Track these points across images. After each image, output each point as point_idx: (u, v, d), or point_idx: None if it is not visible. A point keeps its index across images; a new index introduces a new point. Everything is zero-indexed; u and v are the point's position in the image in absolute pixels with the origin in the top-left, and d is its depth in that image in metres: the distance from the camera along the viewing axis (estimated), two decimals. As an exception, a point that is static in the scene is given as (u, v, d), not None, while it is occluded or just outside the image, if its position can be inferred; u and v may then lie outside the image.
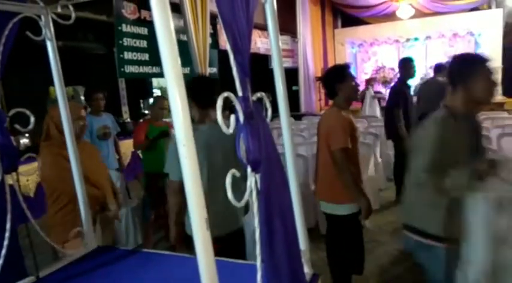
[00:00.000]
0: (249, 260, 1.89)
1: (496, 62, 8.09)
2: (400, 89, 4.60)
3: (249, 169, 0.95)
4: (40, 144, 2.36)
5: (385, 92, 10.57)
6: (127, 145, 6.31)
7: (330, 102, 2.58)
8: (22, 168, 1.66)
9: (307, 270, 1.43)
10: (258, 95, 1.02)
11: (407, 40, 11.25)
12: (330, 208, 2.44)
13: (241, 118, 0.92)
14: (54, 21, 1.76)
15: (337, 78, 2.39)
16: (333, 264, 2.52)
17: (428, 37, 10.97)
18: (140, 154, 4.95)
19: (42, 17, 1.71)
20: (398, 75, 4.93)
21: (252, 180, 0.96)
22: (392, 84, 5.96)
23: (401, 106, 4.41)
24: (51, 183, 2.31)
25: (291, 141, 1.42)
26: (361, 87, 8.96)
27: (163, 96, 4.21)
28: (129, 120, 7.30)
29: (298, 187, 1.42)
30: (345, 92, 2.39)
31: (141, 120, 4.82)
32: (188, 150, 0.81)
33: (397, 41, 11.38)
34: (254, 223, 0.99)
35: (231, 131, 0.89)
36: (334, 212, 2.41)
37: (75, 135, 1.93)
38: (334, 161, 2.30)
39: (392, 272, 3.09)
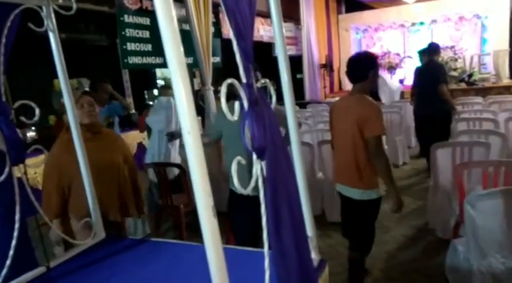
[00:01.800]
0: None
1: (502, 45, 8.05)
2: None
3: (254, 156, 0.95)
4: (59, 135, 2.35)
5: (390, 77, 10.49)
6: (133, 137, 6.35)
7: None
8: (29, 161, 1.67)
9: (314, 256, 1.43)
10: (262, 81, 1.02)
11: (413, 24, 11.10)
12: (357, 193, 2.42)
13: (246, 105, 0.91)
14: (56, 13, 1.75)
15: (371, 65, 2.43)
16: (360, 245, 2.61)
17: (434, 21, 10.81)
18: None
19: (44, 8, 1.70)
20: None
21: (258, 167, 0.96)
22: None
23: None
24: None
25: (297, 129, 1.41)
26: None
27: (168, 86, 4.28)
28: (133, 111, 7.31)
29: (305, 175, 1.41)
30: (373, 80, 2.43)
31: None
32: (193, 138, 0.80)
33: (402, 25, 11.22)
34: (261, 210, 0.99)
35: (235, 117, 0.88)
36: (361, 197, 2.41)
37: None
38: (370, 147, 2.30)
39: (398, 257, 3.10)
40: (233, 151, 2.45)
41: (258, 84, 0.98)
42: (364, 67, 2.42)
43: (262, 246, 1.02)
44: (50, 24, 1.73)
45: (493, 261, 2.02)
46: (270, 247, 1.01)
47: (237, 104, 0.90)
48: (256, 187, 0.97)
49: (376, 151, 2.29)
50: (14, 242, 1.54)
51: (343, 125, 2.48)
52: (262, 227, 0.98)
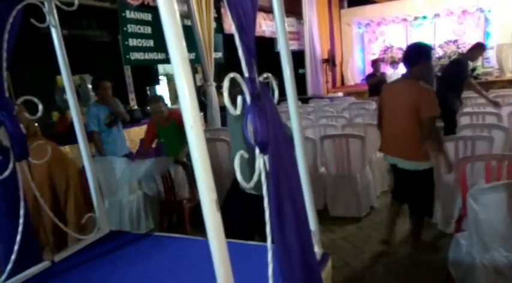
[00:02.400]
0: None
1: (506, 39, 7.97)
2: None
3: (257, 150, 0.95)
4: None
5: (393, 72, 10.44)
6: (135, 133, 6.36)
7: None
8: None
9: (317, 250, 1.44)
10: (265, 75, 1.01)
11: (416, 18, 11.01)
12: (414, 165, 2.79)
13: (248, 99, 0.91)
14: (58, 9, 1.75)
15: (424, 56, 2.74)
16: (418, 208, 2.95)
17: (436, 15, 10.72)
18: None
19: (46, 4, 1.70)
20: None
21: (261, 162, 0.96)
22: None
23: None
24: None
25: (299, 124, 1.41)
26: (369, 70, 8.84)
27: (158, 98, 4.14)
28: (136, 107, 7.31)
29: (307, 170, 1.42)
30: (424, 70, 2.76)
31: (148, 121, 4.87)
32: (196, 133, 0.80)
33: (404, 19, 11.14)
34: (264, 204, 1.00)
35: (238, 112, 0.88)
36: (417, 168, 2.77)
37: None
38: (425, 127, 2.62)
39: (400, 251, 3.10)
40: (235, 147, 2.49)
41: (261, 79, 0.98)
42: (415, 57, 2.72)
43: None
44: (52, 20, 1.73)
45: (496, 255, 2.02)
46: (273, 241, 1.02)
47: (239, 99, 0.90)
48: (256, 186, 0.97)
49: (430, 130, 2.61)
50: (18, 237, 1.56)
51: (399, 106, 2.77)
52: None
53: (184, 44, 0.79)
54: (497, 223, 1.98)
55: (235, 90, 0.93)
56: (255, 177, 0.96)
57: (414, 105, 2.64)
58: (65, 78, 1.84)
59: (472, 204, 2.05)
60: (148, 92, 8.17)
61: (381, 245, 3.16)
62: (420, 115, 2.62)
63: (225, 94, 0.85)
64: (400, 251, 3.12)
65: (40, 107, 1.61)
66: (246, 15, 0.88)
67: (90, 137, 3.86)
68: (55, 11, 1.74)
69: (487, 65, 9.51)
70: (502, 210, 1.95)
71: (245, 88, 0.91)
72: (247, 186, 0.92)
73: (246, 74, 0.92)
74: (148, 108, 4.52)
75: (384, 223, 3.26)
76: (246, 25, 0.88)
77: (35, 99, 1.60)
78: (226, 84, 0.85)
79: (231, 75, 0.87)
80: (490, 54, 9.52)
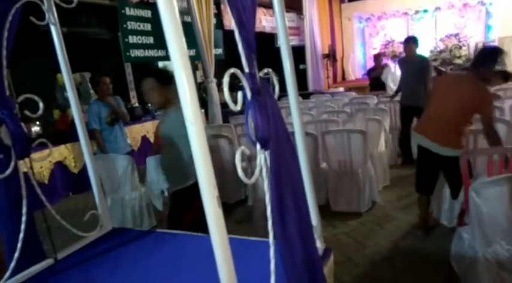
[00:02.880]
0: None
1: (507, 32, 7.91)
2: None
3: (258, 146, 0.95)
4: None
5: (394, 66, 10.41)
6: (137, 130, 6.37)
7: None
8: (35, 155, 1.68)
9: (319, 245, 1.44)
10: (265, 71, 1.01)
11: (416, 12, 10.95)
12: (448, 151, 2.89)
13: (249, 95, 0.91)
14: (58, 7, 1.74)
15: (493, 60, 2.81)
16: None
17: (437, 8, 10.67)
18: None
19: (45, 1, 1.70)
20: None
21: (262, 157, 0.96)
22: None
23: None
24: None
25: (300, 119, 1.41)
26: (371, 64, 8.80)
27: None
28: (137, 104, 7.32)
29: (309, 165, 1.42)
30: (491, 73, 2.82)
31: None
32: (197, 128, 0.80)
33: (405, 13, 11.09)
34: (265, 200, 0.99)
35: (238, 108, 0.88)
36: (451, 154, 2.86)
37: None
38: (486, 125, 2.77)
39: (403, 246, 3.11)
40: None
41: (261, 74, 0.98)
42: (485, 60, 2.81)
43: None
44: (52, 18, 1.72)
45: (498, 248, 2.02)
46: (274, 237, 1.02)
47: (240, 94, 0.89)
48: None
49: (489, 129, 2.76)
50: (21, 235, 1.56)
51: (455, 97, 2.86)
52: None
53: (183, 40, 0.79)
54: (499, 217, 1.98)
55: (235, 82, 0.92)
56: (256, 173, 0.96)
57: (471, 103, 2.77)
58: (65, 76, 1.84)
59: (474, 197, 2.05)
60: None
61: (385, 238, 3.16)
62: (481, 113, 2.77)
63: (225, 89, 0.85)
64: (402, 245, 3.12)
65: (41, 105, 1.61)
66: (246, 9, 0.88)
67: (92, 134, 3.86)
68: (54, 9, 1.73)
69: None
70: (504, 203, 1.94)
71: (245, 83, 0.91)
72: (248, 182, 0.92)
73: (246, 70, 0.92)
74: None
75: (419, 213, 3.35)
76: (245, 20, 0.88)
77: (36, 97, 1.60)
78: (226, 79, 0.85)
79: (231, 70, 0.86)
80: (492, 47, 9.48)
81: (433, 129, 2.98)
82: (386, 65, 7.82)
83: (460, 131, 2.89)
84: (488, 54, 2.87)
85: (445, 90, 3.04)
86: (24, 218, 1.56)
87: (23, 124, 1.58)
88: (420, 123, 3.21)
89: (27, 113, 1.63)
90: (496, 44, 9.19)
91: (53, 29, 1.76)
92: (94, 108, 4.14)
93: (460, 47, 9.77)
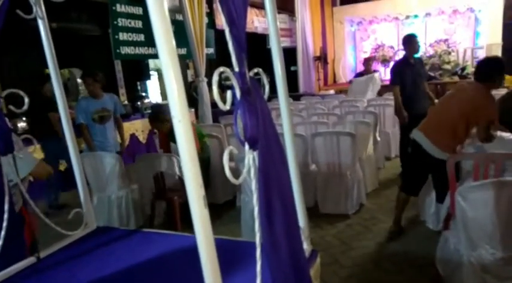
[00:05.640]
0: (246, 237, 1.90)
1: (495, 39, 8.02)
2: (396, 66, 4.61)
3: (246, 146, 0.94)
4: None
5: (384, 70, 10.50)
6: (126, 128, 6.28)
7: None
8: (19, 151, 1.65)
9: (306, 246, 1.44)
10: (255, 70, 1.00)
11: (407, 17, 11.06)
12: (437, 152, 2.93)
13: (238, 94, 0.90)
14: (47, 1, 1.71)
15: (499, 71, 2.91)
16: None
17: (428, 14, 10.78)
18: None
19: (33, -5, 1.67)
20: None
21: (250, 157, 0.95)
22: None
23: (398, 84, 4.42)
24: None
25: (290, 121, 1.41)
26: (361, 68, 8.85)
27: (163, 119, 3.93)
28: (126, 102, 7.24)
29: (297, 166, 1.41)
30: (498, 84, 2.93)
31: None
32: (184, 127, 0.79)
33: (396, 18, 11.18)
34: (253, 200, 0.99)
35: (227, 107, 0.87)
36: (439, 156, 2.90)
37: None
38: (481, 131, 2.84)
39: (389, 248, 3.13)
40: None
41: (251, 74, 0.97)
42: (490, 72, 2.89)
43: None
44: (39, 11, 1.69)
45: (482, 252, 2.04)
46: (261, 238, 1.01)
47: (229, 93, 0.88)
48: None
49: (481, 129, 2.82)
50: (2, 233, 1.53)
51: (458, 101, 2.95)
52: None
53: (172, 38, 0.77)
54: (484, 221, 2.00)
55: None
56: (244, 173, 0.95)
57: (470, 109, 2.82)
58: (52, 71, 1.81)
59: (460, 201, 2.07)
60: (139, 88, 8.09)
61: (372, 240, 3.18)
62: (477, 120, 2.81)
63: (214, 88, 0.84)
64: (389, 248, 3.14)
65: (26, 100, 1.58)
66: (237, 8, 0.87)
67: (78, 130, 3.81)
68: (42, 2, 1.70)
69: (476, 64, 9.60)
70: (489, 208, 1.97)
71: (235, 82, 0.90)
72: (236, 182, 0.91)
73: (236, 69, 0.91)
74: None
75: (394, 213, 3.37)
76: (236, 18, 0.87)
77: (21, 92, 1.57)
78: (215, 78, 0.84)
79: (221, 69, 0.85)
80: (480, 53, 9.61)
81: (432, 128, 3.04)
82: (375, 71, 7.86)
83: (456, 135, 2.89)
84: (494, 68, 2.92)
85: (452, 94, 3.19)
86: (6, 215, 1.52)
87: (7, 119, 1.55)
88: (425, 121, 3.21)
89: (12, 108, 1.59)
90: (484, 50, 9.33)
91: (40, 23, 1.73)
92: (82, 103, 4.10)
93: (449, 53, 9.87)
